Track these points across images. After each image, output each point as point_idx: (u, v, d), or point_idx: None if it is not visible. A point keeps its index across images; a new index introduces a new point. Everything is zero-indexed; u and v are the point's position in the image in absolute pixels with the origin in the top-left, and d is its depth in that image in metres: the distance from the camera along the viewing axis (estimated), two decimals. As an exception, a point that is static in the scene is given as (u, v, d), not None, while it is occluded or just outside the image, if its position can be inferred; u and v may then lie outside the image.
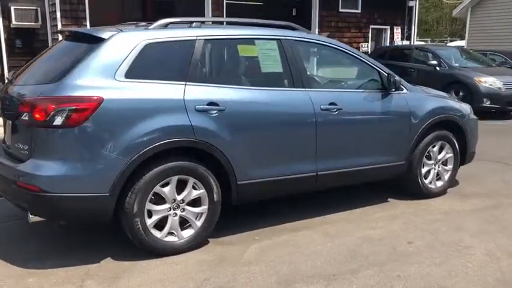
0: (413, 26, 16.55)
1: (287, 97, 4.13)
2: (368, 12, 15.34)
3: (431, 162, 5.14)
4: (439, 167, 5.22)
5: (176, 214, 3.72)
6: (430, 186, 5.18)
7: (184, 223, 3.80)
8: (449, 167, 5.30)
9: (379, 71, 4.70)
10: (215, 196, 3.83)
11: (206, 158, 3.77)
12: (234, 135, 3.82)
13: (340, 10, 14.83)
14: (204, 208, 3.82)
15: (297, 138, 4.18)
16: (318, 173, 4.32)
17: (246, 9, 16.97)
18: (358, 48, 15.14)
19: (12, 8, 11.33)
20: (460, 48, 15.77)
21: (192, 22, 3.93)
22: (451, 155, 5.26)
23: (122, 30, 3.68)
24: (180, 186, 3.71)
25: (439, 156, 5.19)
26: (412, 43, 16.38)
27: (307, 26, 14.56)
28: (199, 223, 3.82)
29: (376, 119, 4.63)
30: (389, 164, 4.79)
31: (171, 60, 3.73)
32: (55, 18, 11.00)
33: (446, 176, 5.29)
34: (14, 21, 11.37)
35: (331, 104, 4.31)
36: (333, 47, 4.58)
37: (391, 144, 4.76)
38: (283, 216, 4.55)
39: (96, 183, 3.38)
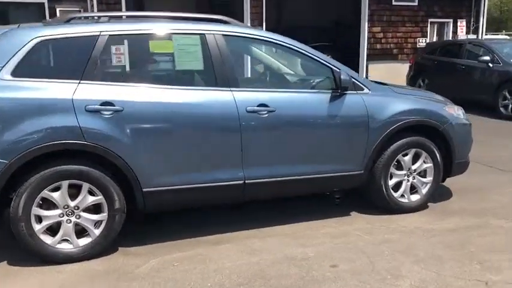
0: (481, 18, 15.07)
1: (204, 97, 3.76)
2: (426, 5, 14.21)
3: (402, 172, 4.48)
4: (413, 179, 4.54)
5: (70, 220, 3.52)
6: (401, 200, 4.51)
7: (85, 230, 3.60)
8: (429, 178, 4.59)
9: (332, 69, 4.15)
10: (116, 203, 3.58)
11: (106, 163, 3.53)
12: (135, 139, 3.54)
13: (394, 3, 13.88)
14: (103, 215, 3.58)
15: (217, 143, 3.80)
16: (246, 182, 3.90)
17: (302, 5, 16.48)
18: (414, 44, 14.14)
19: (57, 10, 11.91)
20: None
21: (100, 17, 3.70)
22: (430, 165, 4.55)
23: (18, 27, 3.54)
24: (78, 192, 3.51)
25: (414, 167, 4.51)
26: (480, 37, 14.94)
27: (358, 20, 13.83)
28: (97, 231, 3.58)
29: (321, 122, 4.09)
30: (342, 173, 4.23)
31: (66, 57, 3.54)
32: (93, 18, 11.36)
33: (424, 190, 4.59)
34: (59, 22, 11.93)
35: (260, 105, 3.86)
36: (274, 42, 4.10)
37: (343, 151, 4.20)
38: (217, 226, 4.18)
39: (-27, 185, 3.27)
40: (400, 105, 4.35)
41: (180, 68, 3.93)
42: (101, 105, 3.45)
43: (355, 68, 14.00)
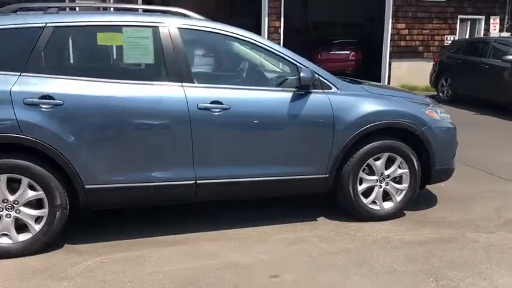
0: (517, 16, 14.26)
1: (152, 92, 3.60)
2: (456, 1, 13.55)
3: (374, 178, 4.20)
4: (386, 185, 4.25)
5: (10, 215, 3.45)
6: (372, 207, 4.24)
7: (26, 226, 3.53)
8: (404, 185, 4.29)
9: (297, 66, 3.92)
10: (57, 199, 3.49)
11: (47, 158, 3.44)
12: (77, 134, 3.44)
13: (421, -2, 13.32)
14: (43, 211, 3.50)
15: (165, 141, 3.65)
16: (198, 182, 3.74)
17: (329, 1, 16.09)
18: (442, 41, 13.56)
19: (76, 1, 12.06)
20: None
21: (48, 8, 3.61)
22: (406, 170, 4.25)
23: (-37, 18, 3.51)
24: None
25: (387, 172, 4.22)
26: (515, 35, 14.14)
27: (382, 16, 13.38)
28: (38, 227, 3.51)
29: (281, 122, 3.86)
30: (304, 176, 4.00)
31: (10, 49, 3.45)
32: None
33: (399, 197, 4.29)
34: (79, 15, 12.09)
35: (213, 102, 3.68)
36: (235, 37, 3.89)
37: (305, 154, 3.96)
38: (176, 227, 4.03)
39: None
40: (370, 106, 4.06)
41: (128, 62, 3.79)
42: (39, 98, 3.36)
43: (378, 65, 13.56)
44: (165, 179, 3.69)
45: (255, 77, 4.18)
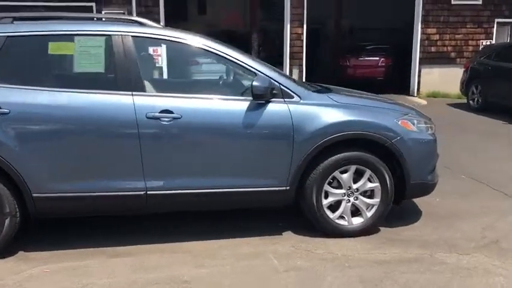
0: (562, 18, 13.36)
1: (99, 101, 3.57)
2: (492, 3, 12.88)
3: (341, 192, 3.97)
4: (356, 199, 4.01)
5: (-41, 222, 3.52)
6: (339, 222, 4.01)
7: (-21, 232, 3.58)
8: (375, 200, 4.03)
9: (256, 74, 3.78)
10: (6, 207, 3.52)
11: (-4, 166, 3.49)
12: (23, 143, 3.46)
13: (453, 2, 12.73)
14: (-8, 219, 3.54)
15: (113, 150, 3.61)
16: (148, 193, 3.67)
17: (362, 6, 15.73)
18: (477, 47, 12.91)
19: (103, 13, 12.39)
20: None
21: (2, 18, 3.66)
22: (376, 184, 3.99)
23: None
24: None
25: (356, 186, 3.98)
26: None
27: (411, 21, 12.94)
28: (-14, 234, 3.55)
29: (235, 132, 3.72)
30: (262, 188, 3.84)
31: (-39, 59, 3.53)
32: (133, 20, 11.66)
33: (370, 212, 4.05)
34: (105, 24, 12.42)
35: (163, 111, 3.61)
36: (192, 45, 3.81)
37: (262, 165, 3.80)
38: (136, 237, 3.98)
39: None
40: (333, 116, 3.85)
41: (79, 70, 3.77)
42: (-15, 107, 3.41)
43: (407, 71, 13.09)
44: (114, 189, 3.64)
45: (212, 86, 4.08)
